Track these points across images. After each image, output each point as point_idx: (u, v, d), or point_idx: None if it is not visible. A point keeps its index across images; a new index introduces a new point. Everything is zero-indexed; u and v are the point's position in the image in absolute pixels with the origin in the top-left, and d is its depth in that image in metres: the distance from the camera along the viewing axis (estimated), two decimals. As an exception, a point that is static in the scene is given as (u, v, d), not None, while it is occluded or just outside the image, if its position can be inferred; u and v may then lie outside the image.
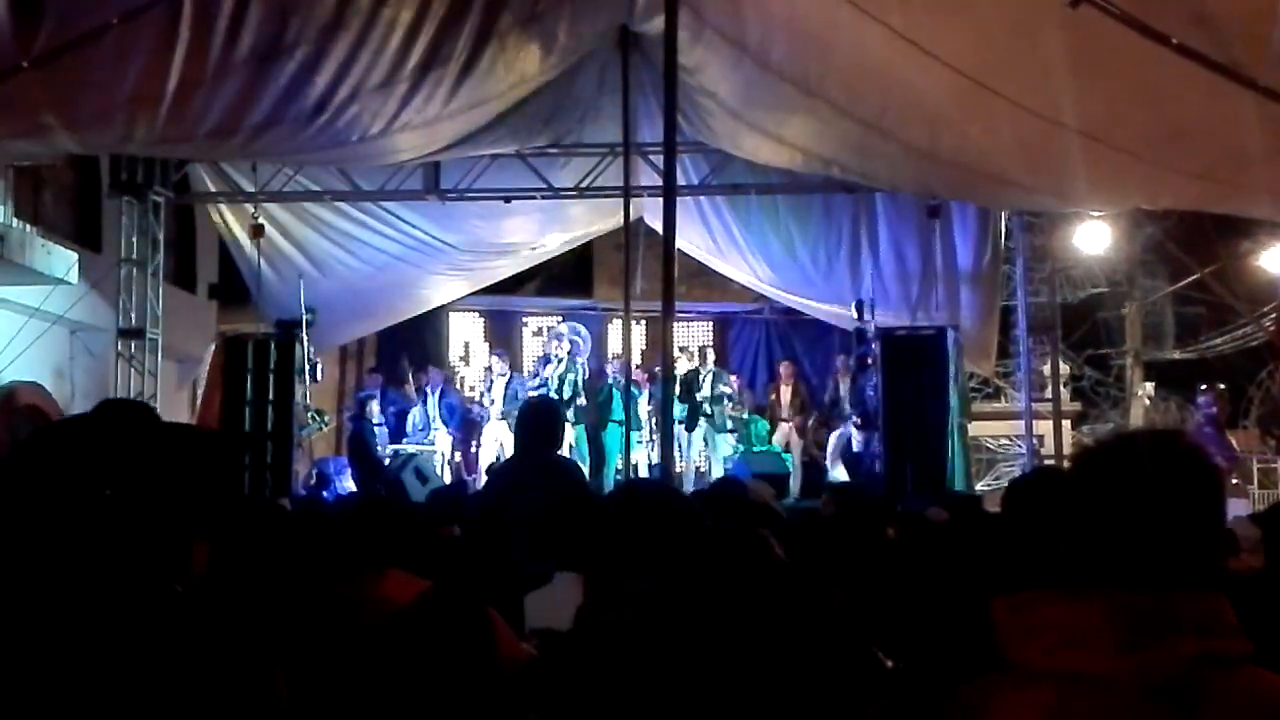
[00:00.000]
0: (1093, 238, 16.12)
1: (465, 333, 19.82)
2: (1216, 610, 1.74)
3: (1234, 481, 12.52)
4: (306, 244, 16.00)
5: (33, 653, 1.71)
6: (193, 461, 1.91)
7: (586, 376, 16.42)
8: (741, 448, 16.51)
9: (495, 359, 17.34)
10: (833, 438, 16.26)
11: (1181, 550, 1.77)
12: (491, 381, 16.79)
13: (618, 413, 15.73)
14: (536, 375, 16.61)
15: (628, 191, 12.47)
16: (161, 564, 1.83)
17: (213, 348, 14.86)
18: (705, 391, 16.27)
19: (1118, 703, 1.69)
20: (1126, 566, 1.77)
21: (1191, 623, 1.72)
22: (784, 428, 16.86)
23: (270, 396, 14.13)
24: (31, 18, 8.13)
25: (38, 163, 12.56)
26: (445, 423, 16.75)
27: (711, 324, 19.98)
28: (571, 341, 16.71)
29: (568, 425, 15.79)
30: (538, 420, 6.37)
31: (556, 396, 15.26)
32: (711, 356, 17.37)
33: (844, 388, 16.08)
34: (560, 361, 16.32)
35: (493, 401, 16.50)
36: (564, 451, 10.26)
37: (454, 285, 17.76)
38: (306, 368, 14.62)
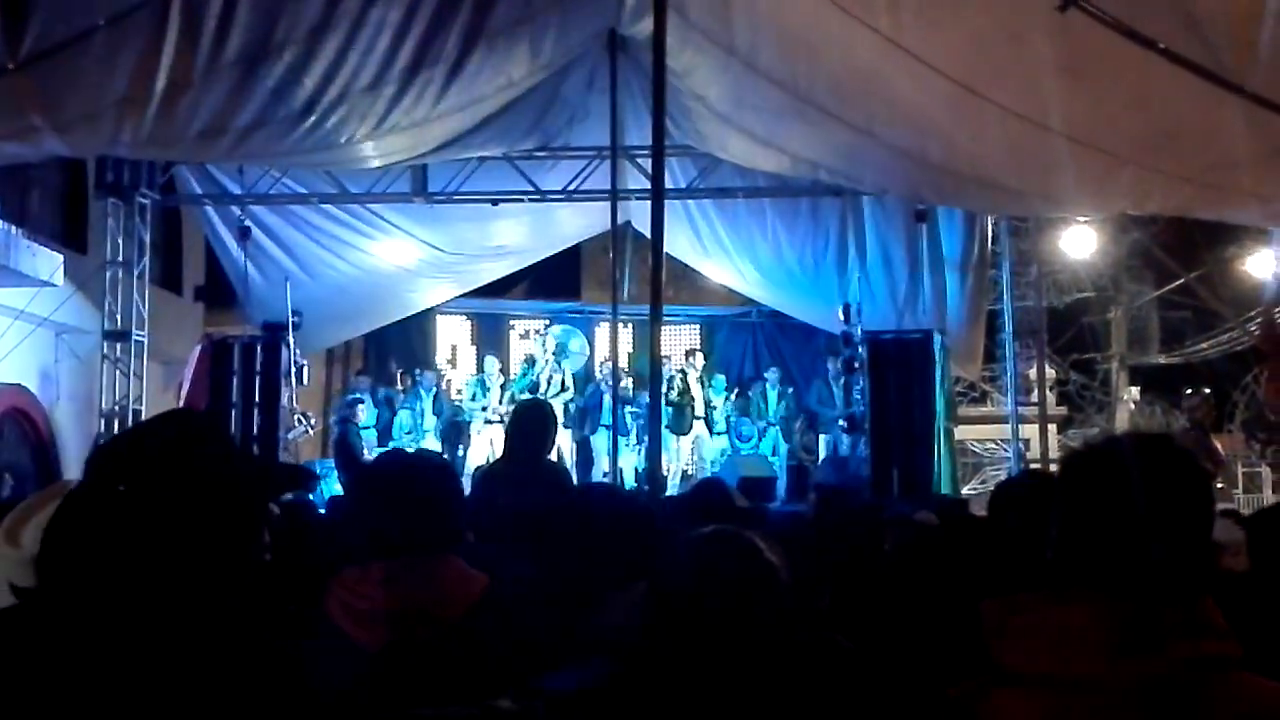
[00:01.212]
0: (1079, 242, 16.18)
1: (453, 335, 19.79)
2: (1205, 613, 1.75)
3: (1219, 486, 12.56)
4: (293, 246, 15.97)
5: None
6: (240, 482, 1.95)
7: (570, 380, 16.52)
8: (728, 450, 16.55)
9: (489, 362, 17.41)
10: (821, 444, 16.31)
11: (1170, 554, 1.77)
12: (487, 385, 16.83)
13: (606, 417, 15.78)
14: (526, 376, 16.69)
15: (615, 195, 12.47)
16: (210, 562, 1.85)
17: (197, 349, 14.81)
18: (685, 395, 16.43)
19: (1108, 706, 1.69)
20: (1115, 570, 1.77)
21: (1181, 626, 1.72)
22: (770, 431, 16.90)
23: (256, 399, 14.12)
24: (18, 19, 8.11)
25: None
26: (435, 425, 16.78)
27: (699, 327, 20.00)
28: (558, 343, 16.81)
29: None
30: (527, 423, 6.34)
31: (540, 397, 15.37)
32: (700, 359, 17.46)
33: (837, 392, 16.13)
34: (547, 364, 16.40)
35: (484, 407, 16.56)
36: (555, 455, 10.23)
37: (441, 288, 17.73)
38: (293, 370, 14.59)
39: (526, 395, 15.31)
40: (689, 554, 2.37)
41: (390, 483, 3.02)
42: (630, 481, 15.22)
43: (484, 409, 16.57)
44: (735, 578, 2.29)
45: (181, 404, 14.79)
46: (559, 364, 16.62)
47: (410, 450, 11.61)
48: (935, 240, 15.36)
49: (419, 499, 2.91)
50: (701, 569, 2.31)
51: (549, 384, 16.25)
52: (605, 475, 15.46)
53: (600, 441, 16.18)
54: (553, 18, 11.03)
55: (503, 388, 16.74)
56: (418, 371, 17.56)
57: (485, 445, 16.16)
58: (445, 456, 14.51)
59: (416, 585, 2.79)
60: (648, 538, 3.16)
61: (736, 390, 17.86)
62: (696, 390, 16.78)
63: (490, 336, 19.61)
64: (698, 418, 16.62)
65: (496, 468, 6.66)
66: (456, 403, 17.56)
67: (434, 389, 17.15)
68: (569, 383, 16.67)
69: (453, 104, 11.61)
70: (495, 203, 15.09)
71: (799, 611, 2.39)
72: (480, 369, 17.48)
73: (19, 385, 13.84)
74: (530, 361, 17.27)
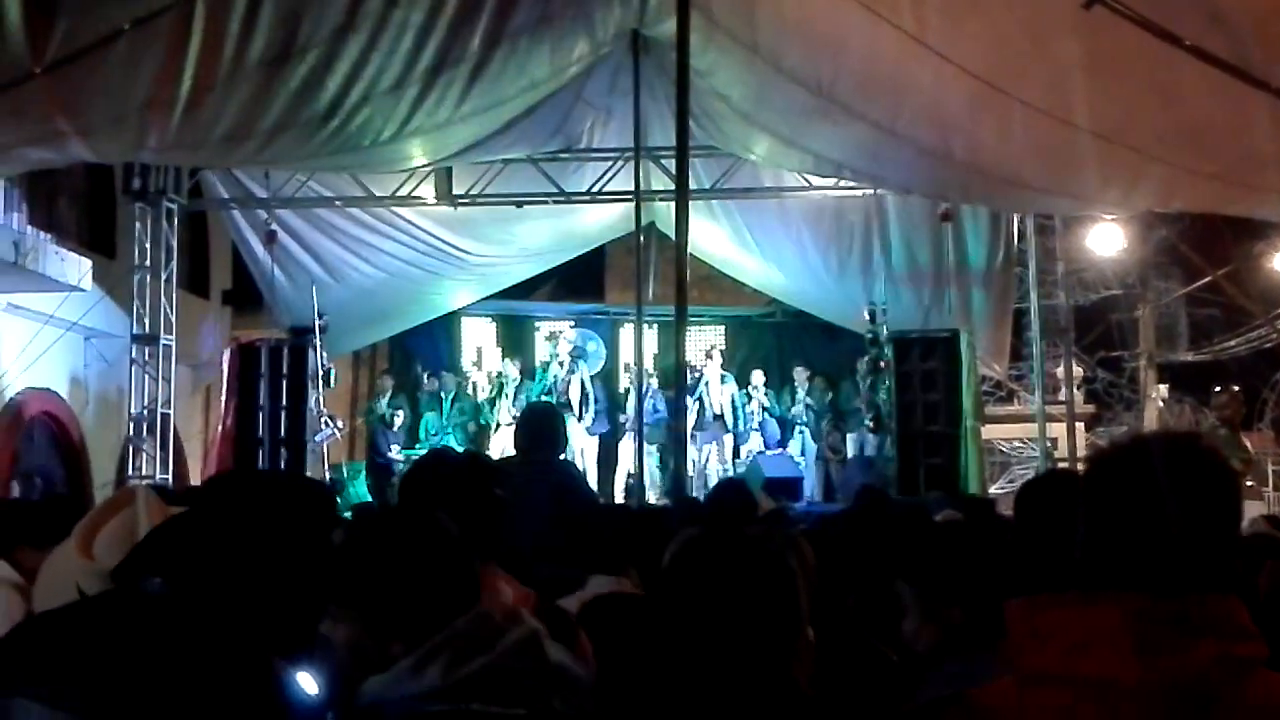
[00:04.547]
0: (1105, 240, 16.11)
1: (478, 337, 19.83)
2: (1233, 613, 1.73)
3: (1249, 484, 12.45)
4: (319, 250, 16.03)
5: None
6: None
7: (590, 382, 16.54)
8: (755, 451, 16.52)
9: (507, 364, 17.45)
10: (849, 443, 16.28)
11: (1198, 553, 1.76)
12: (504, 387, 16.87)
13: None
14: (540, 382, 16.73)
15: (639, 195, 12.46)
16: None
17: (227, 353, 14.90)
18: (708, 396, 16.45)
19: (1133, 707, 1.68)
20: (1142, 570, 1.76)
21: (1208, 626, 1.70)
22: (798, 431, 16.88)
23: (284, 402, 14.18)
24: (44, 23, 8.15)
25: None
26: (458, 427, 16.83)
27: (723, 327, 19.96)
28: (574, 345, 16.83)
29: (584, 431, 15.92)
30: (536, 425, 6.37)
31: (564, 400, 15.54)
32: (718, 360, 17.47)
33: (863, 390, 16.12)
34: (561, 365, 16.44)
35: (494, 407, 16.65)
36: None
37: (466, 290, 17.77)
38: (320, 373, 14.65)
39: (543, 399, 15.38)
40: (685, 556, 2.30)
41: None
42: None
43: (494, 409, 16.67)
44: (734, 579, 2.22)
45: (222, 409, 14.87)
46: (575, 368, 16.63)
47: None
48: (961, 239, 15.31)
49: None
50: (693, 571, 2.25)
51: (567, 389, 16.28)
52: (630, 477, 15.47)
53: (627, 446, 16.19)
54: (574, 19, 11.03)
55: (517, 390, 16.76)
56: (444, 374, 17.63)
57: (501, 448, 16.23)
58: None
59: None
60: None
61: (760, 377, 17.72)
62: (715, 390, 16.73)
63: (515, 338, 19.65)
64: (717, 417, 16.57)
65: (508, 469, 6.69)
66: (480, 404, 17.60)
67: (453, 391, 17.21)
68: (589, 388, 16.63)
69: (475, 106, 11.63)
70: (520, 205, 15.12)
71: (822, 611, 2.37)
72: (501, 371, 17.56)
73: (49, 389, 13.93)
74: (544, 367, 17.28)
